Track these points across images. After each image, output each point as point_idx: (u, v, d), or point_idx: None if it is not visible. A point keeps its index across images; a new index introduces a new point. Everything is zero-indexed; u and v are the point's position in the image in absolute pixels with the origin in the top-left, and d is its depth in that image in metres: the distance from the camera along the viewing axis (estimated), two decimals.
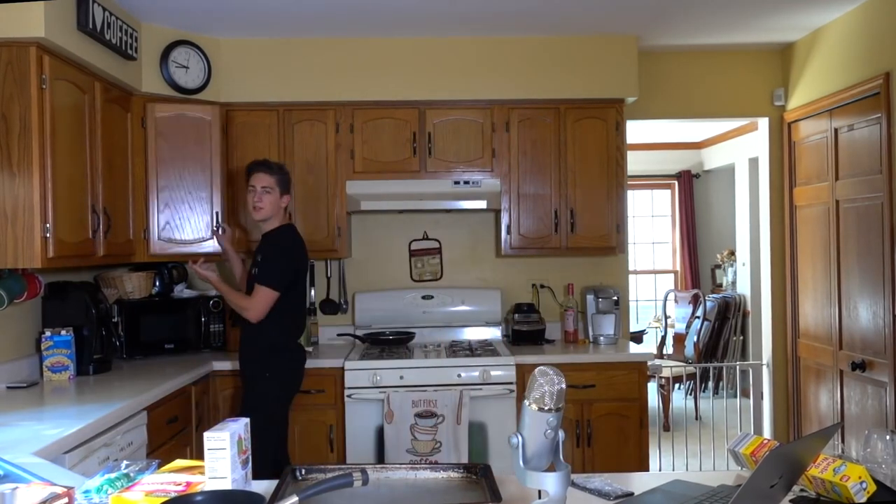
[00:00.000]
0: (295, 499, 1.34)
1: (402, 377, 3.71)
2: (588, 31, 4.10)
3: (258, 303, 3.28)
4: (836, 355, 4.05)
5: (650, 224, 8.68)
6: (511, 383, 3.74)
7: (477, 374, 3.74)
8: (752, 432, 2.57)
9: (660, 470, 4.72)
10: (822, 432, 1.46)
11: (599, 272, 4.52)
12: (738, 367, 5.64)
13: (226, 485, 1.58)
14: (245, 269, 3.69)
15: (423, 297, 4.39)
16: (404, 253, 4.52)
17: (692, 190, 8.23)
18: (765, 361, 4.83)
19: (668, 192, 8.55)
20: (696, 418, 6.52)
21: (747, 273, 6.78)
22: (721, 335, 6.84)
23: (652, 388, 5.22)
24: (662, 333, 7.20)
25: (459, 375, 3.73)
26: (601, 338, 4.24)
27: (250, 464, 1.69)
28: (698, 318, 6.71)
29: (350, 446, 3.72)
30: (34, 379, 3.23)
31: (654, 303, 8.36)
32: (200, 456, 1.63)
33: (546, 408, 1.40)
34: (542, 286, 4.51)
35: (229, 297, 3.41)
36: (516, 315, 4.28)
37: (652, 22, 3.99)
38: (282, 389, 3.40)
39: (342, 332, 4.37)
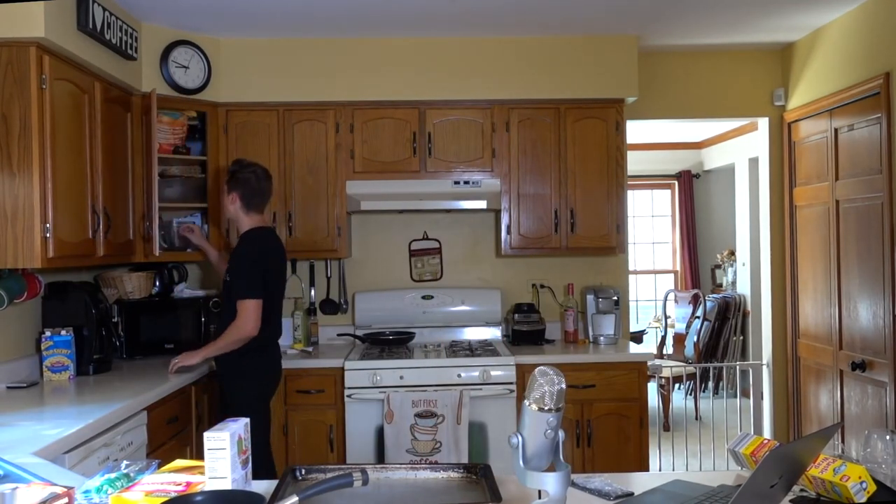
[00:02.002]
0: (295, 499, 1.34)
1: (402, 377, 3.71)
2: (588, 31, 4.10)
3: (246, 317, 3.20)
4: (836, 355, 4.05)
5: (650, 224, 8.68)
6: (511, 383, 3.74)
7: (477, 374, 3.74)
8: (752, 432, 2.57)
9: (660, 470, 4.72)
10: (822, 432, 1.46)
11: (599, 272, 4.52)
12: (738, 367, 5.64)
13: (226, 485, 1.58)
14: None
15: (423, 297, 4.39)
16: (404, 253, 4.52)
17: (692, 190, 8.23)
18: (765, 361, 4.83)
19: (668, 192, 8.55)
20: (696, 418, 6.52)
21: (747, 273, 6.78)
22: (721, 335, 6.84)
23: (652, 388, 5.22)
24: (662, 333, 7.20)
25: (459, 375, 3.73)
26: (601, 338, 4.24)
27: (250, 464, 1.69)
28: (698, 318, 6.71)
29: (350, 446, 3.72)
30: (34, 379, 3.23)
31: (654, 303, 8.36)
32: (200, 456, 1.63)
33: (546, 408, 1.40)
34: (542, 286, 4.51)
35: (221, 345, 3.27)
36: (516, 315, 4.28)
37: (652, 22, 3.99)
38: (260, 390, 3.34)
39: (342, 332, 4.37)
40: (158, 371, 3.43)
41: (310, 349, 4.16)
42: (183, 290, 4.13)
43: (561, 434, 1.44)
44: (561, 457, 1.45)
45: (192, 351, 3.38)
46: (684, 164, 8.24)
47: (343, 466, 2.23)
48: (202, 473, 1.61)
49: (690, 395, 6.73)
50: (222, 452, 1.58)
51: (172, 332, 3.92)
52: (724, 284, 7.63)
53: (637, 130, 6.05)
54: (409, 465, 1.83)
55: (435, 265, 4.53)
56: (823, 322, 4.19)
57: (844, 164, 3.96)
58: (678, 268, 8.48)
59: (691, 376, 6.69)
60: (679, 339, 6.99)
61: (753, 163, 6.46)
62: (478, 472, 1.77)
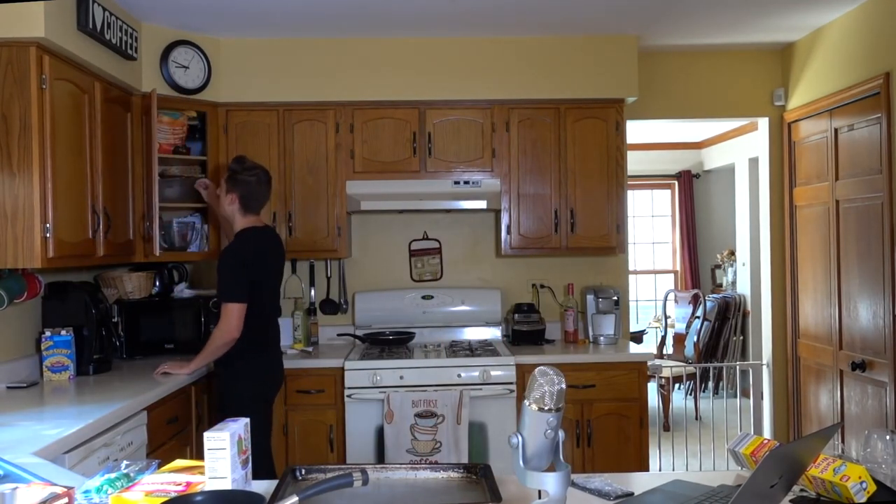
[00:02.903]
0: (295, 499, 1.34)
1: (402, 377, 3.71)
2: (588, 31, 4.10)
3: (227, 320, 3.19)
4: (836, 355, 4.05)
5: (650, 224, 8.68)
6: (511, 383, 3.74)
7: (477, 374, 3.74)
8: (752, 432, 2.57)
9: (660, 470, 4.73)
10: (822, 432, 1.46)
11: (599, 272, 4.52)
12: (738, 367, 5.64)
13: (226, 485, 1.58)
14: None
15: (423, 297, 4.39)
16: (404, 253, 4.52)
17: (692, 190, 8.23)
18: (765, 361, 4.83)
19: (668, 192, 8.55)
20: (696, 418, 6.52)
21: (747, 273, 6.78)
22: (721, 335, 6.84)
23: (652, 388, 5.22)
24: (662, 333, 7.20)
25: (459, 375, 3.73)
26: (601, 338, 4.24)
27: (250, 464, 1.69)
28: (698, 318, 6.71)
29: (350, 446, 3.72)
30: (34, 379, 3.23)
31: (654, 303, 8.36)
32: (200, 456, 1.63)
33: (546, 408, 1.40)
34: (542, 286, 4.51)
35: (208, 352, 3.28)
36: (516, 315, 4.28)
37: (652, 22, 3.99)
38: (256, 392, 3.31)
39: (342, 332, 4.37)
40: None
41: (310, 349, 4.16)
42: (183, 290, 4.13)
43: (561, 434, 1.44)
44: (561, 457, 1.45)
45: (183, 361, 3.37)
46: (684, 164, 8.24)
47: (343, 466, 2.23)
48: (202, 473, 1.61)
49: (690, 395, 6.73)
50: (222, 452, 1.58)
51: (172, 332, 3.92)
52: (724, 284, 7.64)
53: (637, 130, 6.05)
54: (409, 465, 1.83)
55: (435, 265, 4.53)
56: (823, 322, 4.19)
57: (844, 164, 3.96)
58: (678, 268, 8.48)
59: (691, 376, 6.69)
60: (679, 339, 6.99)
61: (753, 163, 6.46)
62: (478, 472, 1.77)
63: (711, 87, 4.65)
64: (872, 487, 1.60)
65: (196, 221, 4.07)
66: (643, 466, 3.90)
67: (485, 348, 4.04)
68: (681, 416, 6.40)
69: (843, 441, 3.54)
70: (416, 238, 4.53)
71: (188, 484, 1.59)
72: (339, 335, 4.38)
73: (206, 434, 1.59)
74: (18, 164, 2.81)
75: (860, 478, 1.59)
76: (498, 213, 4.28)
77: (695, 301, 6.90)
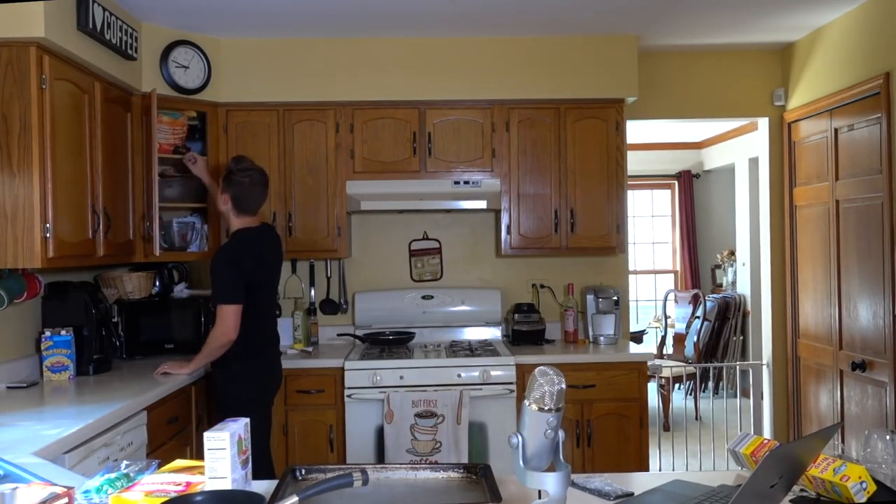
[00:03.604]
0: (295, 499, 1.34)
1: (402, 377, 3.71)
2: (588, 31, 4.10)
3: (223, 322, 3.18)
4: (836, 355, 4.05)
5: (650, 224, 8.68)
6: (511, 383, 3.74)
7: (477, 374, 3.74)
8: (752, 432, 2.57)
9: (660, 470, 4.73)
10: (822, 432, 1.46)
11: (599, 272, 4.52)
12: (738, 367, 5.64)
13: (226, 485, 1.58)
14: None
15: (423, 297, 4.39)
16: (404, 253, 4.52)
17: (692, 190, 8.23)
18: (765, 361, 4.83)
19: (668, 192, 8.55)
20: (696, 418, 6.52)
21: (747, 273, 6.79)
22: (721, 335, 6.84)
23: (652, 388, 5.22)
24: (662, 333, 7.20)
25: (459, 375, 3.73)
26: (601, 338, 4.24)
27: (250, 464, 1.69)
28: (698, 318, 6.71)
29: (350, 446, 3.72)
30: (34, 379, 3.23)
31: (654, 303, 8.37)
32: (200, 456, 1.63)
33: (546, 408, 1.40)
34: (542, 286, 4.51)
35: (206, 353, 3.28)
36: (516, 315, 4.28)
37: (652, 22, 3.99)
38: (254, 394, 3.31)
39: (342, 332, 4.37)
40: None
41: (310, 349, 4.16)
42: (183, 290, 4.13)
43: (561, 434, 1.44)
44: (561, 457, 1.45)
45: (183, 361, 3.37)
46: (684, 164, 8.24)
47: (343, 466, 2.23)
48: (202, 473, 1.61)
49: (690, 395, 6.73)
50: (222, 452, 1.58)
51: (172, 332, 3.91)
52: (724, 284, 7.64)
53: (637, 130, 6.05)
54: (409, 465, 1.83)
55: (435, 265, 4.53)
56: (823, 322, 4.19)
57: (844, 164, 3.96)
58: (678, 268, 8.48)
59: (691, 376, 6.69)
60: (679, 339, 6.99)
61: (753, 163, 6.46)
62: (478, 472, 1.77)
63: (711, 87, 4.65)
64: (872, 487, 1.60)
65: (196, 221, 4.07)
66: (643, 466, 3.90)
67: (485, 348, 4.04)
68: (681, 416, 6.40)
69: (843, 441, 3.54)
70: (416, 238, 4.53)
71: (188, 484, 1.59)
72: (339, 335, 4.38)
73: (206, 434, 1.59)
74: (18, 164, 2.81)
75: (860, 478, 1.59)
76: (498, 213, 4.28)
77: (695, 301, 6.90)
